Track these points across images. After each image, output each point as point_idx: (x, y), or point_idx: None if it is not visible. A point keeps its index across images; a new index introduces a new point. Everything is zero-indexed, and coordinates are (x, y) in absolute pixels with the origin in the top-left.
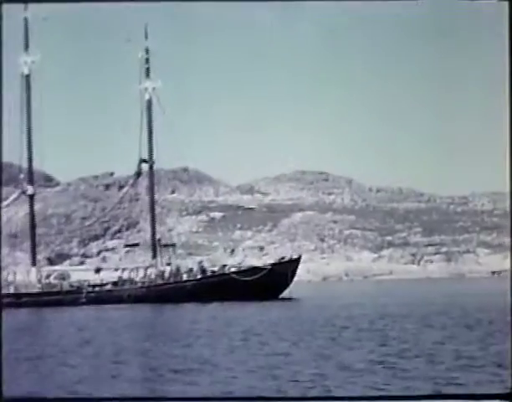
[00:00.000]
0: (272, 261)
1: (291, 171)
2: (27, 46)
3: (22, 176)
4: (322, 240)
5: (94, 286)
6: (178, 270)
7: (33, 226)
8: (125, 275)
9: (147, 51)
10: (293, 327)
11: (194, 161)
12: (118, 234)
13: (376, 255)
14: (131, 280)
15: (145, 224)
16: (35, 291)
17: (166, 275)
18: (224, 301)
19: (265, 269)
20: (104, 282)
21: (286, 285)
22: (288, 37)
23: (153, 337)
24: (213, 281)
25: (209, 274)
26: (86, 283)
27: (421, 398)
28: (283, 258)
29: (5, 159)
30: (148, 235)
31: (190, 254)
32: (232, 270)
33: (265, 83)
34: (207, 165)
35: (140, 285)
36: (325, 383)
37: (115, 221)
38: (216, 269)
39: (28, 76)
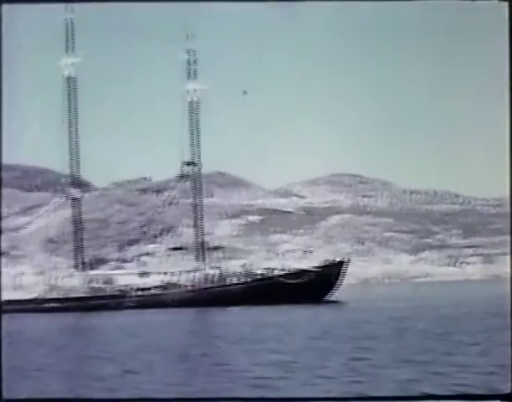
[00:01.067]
0: (319, 264)
1: (327, 174)
2: (69, 48)
3: (64, 180)
4: (360, 243)
5: (139, 289)
6: (225, 273)
7: (76, 230)
8: (171, 279)
9: (190, 52)
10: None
11: (230, 164)
12: (156, 239)
13: (414, 258)
14: (177, 284)
15: (183, 228)
16: (80, 295)
17: (213, 278)
18: (270, 305)
19: (312, 272)
20: (150, 286)
21: (332, 288)
22: (315, 35)
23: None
24: (260, 284)
25: (256, 277)
26: (131, 287)
27: (421, 398)
28: (329, 261)
29: (41, 164)
30: (185, 239)
31: (228, 257)
32: (279, 273)
33: (299, 85)
34: (243, 168)
35: (186, 288)
36: None
37: (153, 225)
38: (262, 272)
39: (69, 78)
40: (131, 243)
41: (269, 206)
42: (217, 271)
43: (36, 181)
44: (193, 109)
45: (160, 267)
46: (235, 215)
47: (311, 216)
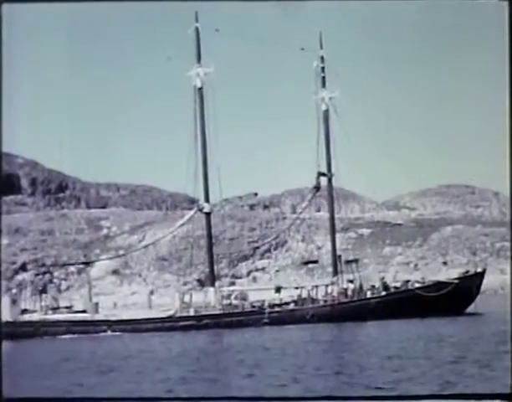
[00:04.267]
0: (458, 275)
1: (436, 185)
2: (199, 58)
3: (168, 198)
4: (474, 254)
5: (276, 305)
6: (361, 287)
7: (210, 246)
8: (304, 294)
9: (322, 60)
10: None
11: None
12: (267, 254)
13: None
14: (312, 299)
15: (294, 243)
16: (216, 312)
17: (349, 292)
18: (408, 318)
19: (451, 284)
20: (285, 302)
21: (472, 299)
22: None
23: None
24: (397, 298)
25: (393, 290)
26: (267, 303)
27: (421, 398)
28: (467, 272)
29: (147, 182)
30: (297, 255)
31: (341, 272)
32: (417, 285)
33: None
34: (350, 181)
35: (322, 303)
36: None
37: (263, 241)
38: (398, 285)
39: (200, 89)
40: (243, 259)
41: (379, 218)
42: (354, 285)
43: (145, 199)
44: (327, 118)
45: (270, 283)
46: (344, 228)
47: (422, 228)
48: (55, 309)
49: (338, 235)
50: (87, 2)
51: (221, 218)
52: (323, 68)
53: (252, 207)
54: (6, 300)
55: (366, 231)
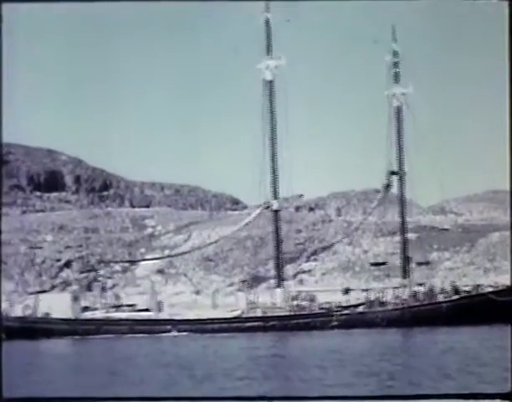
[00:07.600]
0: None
1: (483, 190)
2: (269, 50)
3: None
4: None
5: (344, 307)
6: (432, 290)
7: (277, 244)
8: (372, 297)
9: (395, 54)
10: None
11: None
12: (313, 257)
13: None
14: (381, 302)
15: (340, 247)
16: (284, 313)
17: (420, 296)
18: (479, 325)
19: None
20: (352, 304)
21: None
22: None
23: None
24: (469, 302)
25: (464, 294)
26: (334, 305)
27: (421, 398)
28: None
29: (191, 182)
30: (344, 257)
31: (388, 275)
32: (489, 290)
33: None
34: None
35: (392, 307)
36: None
37: (310, 243)
38: (469, 289)
39: (271, 82)
40: (289, 261)
41: (425, 223)
42: (424, 288)
43: (189, 199)
44: (398, 114)
45: (316, 286)
46: (391, 233)
47: (469, 233)
48: (117, 307)
49: (384, 239)
50: (88, 1)
51: (267, 219)
52: (396, 62)
53: (297, 209)
54: (66, 296)
55: (412, 235)
